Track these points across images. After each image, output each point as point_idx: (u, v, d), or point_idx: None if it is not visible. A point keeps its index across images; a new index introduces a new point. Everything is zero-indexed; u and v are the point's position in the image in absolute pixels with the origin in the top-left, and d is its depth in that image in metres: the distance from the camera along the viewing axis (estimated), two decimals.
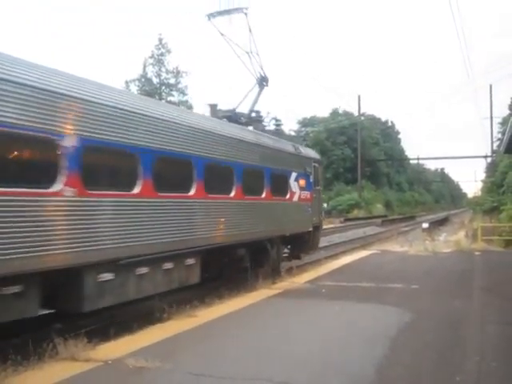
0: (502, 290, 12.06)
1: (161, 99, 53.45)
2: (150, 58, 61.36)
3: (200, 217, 11.40)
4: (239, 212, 13.09)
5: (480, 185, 68.54)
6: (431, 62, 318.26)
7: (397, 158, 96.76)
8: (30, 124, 7.28)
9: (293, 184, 16.57)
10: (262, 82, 17.35)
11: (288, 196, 16.22)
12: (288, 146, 17.10)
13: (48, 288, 7.94)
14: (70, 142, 7.95)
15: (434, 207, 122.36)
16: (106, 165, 9.26)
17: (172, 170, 10.94)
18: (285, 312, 9.99)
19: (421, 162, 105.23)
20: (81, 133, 8.18)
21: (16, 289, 7.22)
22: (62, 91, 7.98)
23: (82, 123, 8.25)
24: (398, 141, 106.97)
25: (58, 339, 7.30)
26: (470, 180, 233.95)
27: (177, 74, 61.50)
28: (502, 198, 41.54)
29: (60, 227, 7.83)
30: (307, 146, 28.68)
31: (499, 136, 54.53)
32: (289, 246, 17.65)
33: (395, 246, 25.29)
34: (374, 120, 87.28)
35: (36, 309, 7.85)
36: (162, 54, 61.51)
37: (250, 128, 15.77)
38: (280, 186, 15.67)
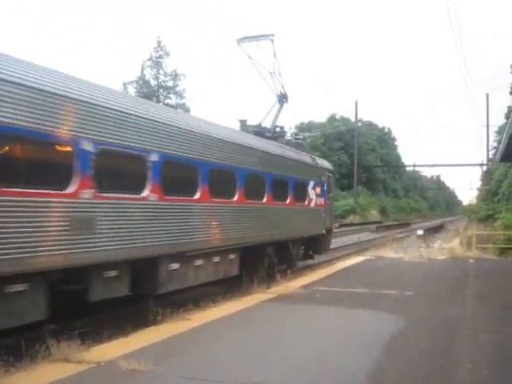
0: (495, 298, 12.10)
1: (158, 102, 53.49)
2: (149, 60, 61.42)
3: (240, 219, 13.39)
4: (269, 216, 15.08)
5: (475, 193, 68.74)
6: (428, 67, 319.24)
7: (393, 164, 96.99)
8: (131, 144, 9.37)
9: (310, 191, 18.68)
10: (282, 99, 19.49)
11: (306, 202, 18.32)
12: (307, 157, 19.30)
13: (134, 274, 9.74)
14: (154, 158, 9.96)
15: (429, 214, 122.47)
16: (177, 175, 11.18)
17: (221, 180, 12.71)
18: (279, 316, 9.99)
19: (417, 168, 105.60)
20: (162, 150, 10.22)
21: (114, 273, 9.17)
22: (155, 119, 10.20)
23: (163, 142, 10.29)
24: (395, 147, 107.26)
25: (51, 340, 7.29)
26: (466, 188, 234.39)
27: (175, 76, 61.57)
28: (496, 207, 41.63)
29: (144, 225, 9.72)
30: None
31: (495, 144, 54.72)
32: (302, 247, 18.95)
33: (390, 253, 25.32)
34: (370, 126, 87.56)
35: (126, 290, 9.71)
36: (160, 57, 61.58)
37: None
38: (301, 193, 17.79)
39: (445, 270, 17.76)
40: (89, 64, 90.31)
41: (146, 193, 9.71)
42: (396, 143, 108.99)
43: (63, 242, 7.93)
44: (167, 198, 10.31)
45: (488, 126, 51.62)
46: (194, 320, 9.48)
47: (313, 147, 68.57)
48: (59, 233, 7.85)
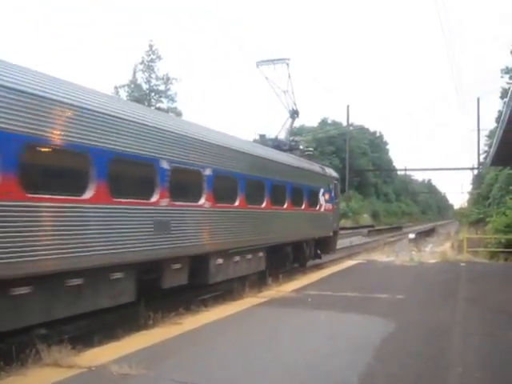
0: (485, 301, 12.15)
1: (150, 106, 53.45)
2: (140, 63, 61.36)
3: (266, 223, 15.69)
4: (288, 220, 17.45)
5: (466, 196, 69.10)
6: (420, 72, 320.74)
7: (385, 168, 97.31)
8: (193, 162, 11.71)
9: (321, 198, 21.16)
10: (294, 114, 22.29)
11: (317, 207, 20.79)
12: (317, 167, 21.80)
13: (191, 267, 11.89)
14: (208, 172, 12.31)
15: (420, 218, 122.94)
16: (224, 186, 13.36)
17: (254, 189, 15.06)
18: (270, 321, 10.00)
19: (408, 172, 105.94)
20: (213, 165, 12.54)
21: (178, 266, 11.36)
22: (210, 141, 12.64)
23: (214, 159, 12.65)
24: (386, 151, 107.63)
25: (42, 345, 7.26)
26: (457, 192, 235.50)
27: (166, 80, 61.54)
28: (487, 210, 41.86)
29: (200, 227, 12.03)
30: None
31: (486, 148, 55.01)
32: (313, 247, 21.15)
33: (381, 256, 25.37)
34: (362, 130, 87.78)
35: (186, 280, 11.80)
36: (152, 61, 61.55)
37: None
38: (313, 199, 20.26)
39: (436, 274, 17.81)
40: (84, 66, 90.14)
41: (202, 201, 12.10)
42: (387, 147, 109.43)
43: (149, 240, 10.08)
44: (217, 205, 12.66)
45: (479, 130, 51.94)
46: (185, 324, 9.48)
47: (274, 139, 68.67)
48: (146, 233, 10.03)
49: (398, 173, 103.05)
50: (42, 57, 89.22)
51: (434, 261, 22.74)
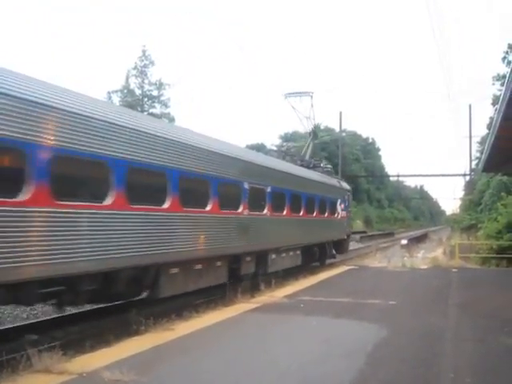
0: (476, 307, 12.20)
1: (143, 111, 53.39)
2: (133, 69, 61.34)
3: (302, 227, 19.79)
4: (316, 225, 21.66)
5: (458, 202, 69.28)
6: (413, 79, 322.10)
7: (377, 174, 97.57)
8: (236, 178, 14.41)
9: (338, 207, 25.34)
10: (314, 137, 29.64)
11: (336, 215, 24.93)
12: (335, 182, 26.52)
13: (256, 260, 15.80)
14: (269, 190, 16.41)
15: (412, 224, 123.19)
16: (277, 199, 17.13)
17: (296, 201, 19.11)
18: (262, 326, 9.98)
19: (400, 178, 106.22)
20: (272, 185, 16.61)
21: (249, 259, 15.28)
22: (249, 160, 15.82)
23: (251, 174, 15.31)
24: (379, 157, 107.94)
25: (33, 351, 7.22)
26: (449, 198, 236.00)
27: (159, 86, 61.53)
28: (479, 216, 42.02)
29: (263, 230, 15.92)
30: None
31: (478, 155, 55.24)
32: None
33: (374, 262, 25.47)
34: (355, 136, 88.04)
35: (253, 270, 15.66)
36: (145, 66, 61.53)
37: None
38: (333, 208, 24.32)
39: (428, 280, 17.86)
40: (82, 67, 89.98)
41: (265, 211, 16.31)
42: (380, 153, 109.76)
43: (236, 239, 14.05)
44: (273, 214, 16.83)
45: (470, 137, 51.95)
46: (177, 330, 9.44)
47: (302, 157, 68.81)
48: (235, 234, 13.98)
49: (391, 179, 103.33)
50: (41, 57, 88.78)
51: (426, 267, 22.83)
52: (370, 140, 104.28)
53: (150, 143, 10.45)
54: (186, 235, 11.66)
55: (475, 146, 57.07)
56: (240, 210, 14.37)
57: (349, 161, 78.02)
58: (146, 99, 61.59)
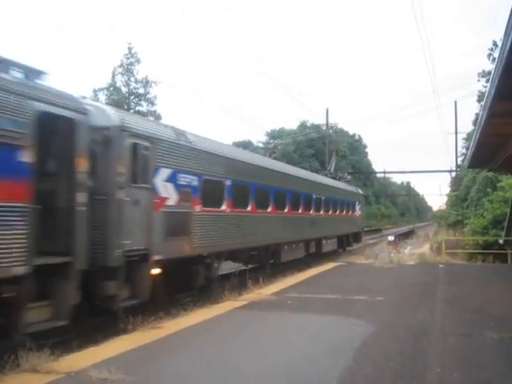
0: (462, 303, 12.31)
1: (129, 109, 53.13)
2: (119, 67, 60.95)
3: (337, 223, 29.33)
4: (343, 221, 31.04)
5: (445, 199, 69.73)
6: (398, 75, 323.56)
7: (364, 171, 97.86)
8: (292, 188, 21.82)
9: (356, 207, 35.12)
10: (336, 153, 41.31)
11: (355, 213, 34.75)
12: (353, 188, 36.65)
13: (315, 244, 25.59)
14: (315, 197, 24.96)
15: (399, 220, 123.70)
16: (325, 203, 26.61)
17: (331, 204, 28.01)
18: (250, 324, 10.00)
19: (387, 175, 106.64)
20: (324, 195, 26.61)
21: (301, 245, 22.96)
22: (301, 176, 24.51)
23: (319, 191, 25.92)
24: (365, 154, 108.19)
25: (20, 351, 7.18)
26: (435, 194, 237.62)
27: (146, 83, 61.22)
28: (465, 212, 42.36)
29: (319, 224, 25.33)
30: (275, 158, 34.99)
31: (463, 151, 55.62)
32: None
33: (361, 259, 25.59)
34: (341, 133, 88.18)
35: (303, 254, 23.74)
36: (131, 64, 61.16)
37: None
38: (353, 208, 34.04)
39: (415, 276, 17.97)
40: (63, 66, 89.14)
41: (321, 212, 25.77)
42: (366, 150, 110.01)
43: (308, 231, 23.77)
44: (322, 213, 25.96)
45: (456, 133, 52.40)
46: (165, 328, 9.43)
47: (284, 154, 68.83)
48: (308, 227, 23.59)
49: (377, 175, 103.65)
50: (24, 51, 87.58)
51: (412, 262, 22.97)
52: (357, 137, 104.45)
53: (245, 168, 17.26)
54: (290, 229, 21.21)
55: (461, 143, 57.47)
56: (312, 211, 24.22)
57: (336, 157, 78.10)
58: (132, 97, 61.26)
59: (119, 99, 56.92)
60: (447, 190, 70.06)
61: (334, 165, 40.41)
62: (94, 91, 58.93)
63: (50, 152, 9.55)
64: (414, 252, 30.73)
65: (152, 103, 61.73)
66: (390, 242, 35.60)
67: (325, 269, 20.35)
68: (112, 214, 10.27)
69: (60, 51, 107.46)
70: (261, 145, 77.38)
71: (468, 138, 50.03)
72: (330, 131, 57.59)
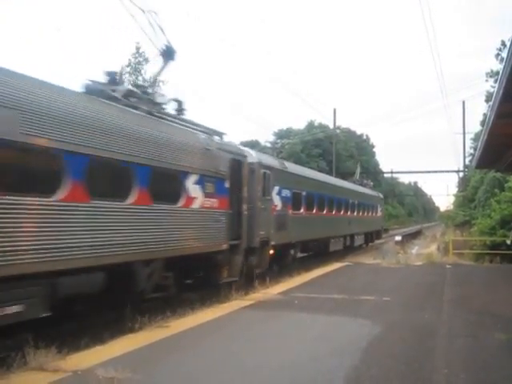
0: (469, 303, 12.26)
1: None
2: (127, 66, 61.11)
3: (362, 222, 34.89)
4: (367, 221, 36.82)
5: (452, 199, 69.43)
6: (406, 75, 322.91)
7: (371, 171, 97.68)
8: (307, 189, 23.30)
9: (378, 209, 41.96)
10: (360, 168, 50.25)
11: (377, 214, 41.20)
12: (375, 193, 42.85)
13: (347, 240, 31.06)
14: (350, 201, 31.73)
15: (407, 220, 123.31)
16: (358, 207, 34.25)
17: (362, 207, 35.34)
18: (257, 323, 10.01)
19: (395, 175, 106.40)
20: (353, 199, 32.65)
21: (341, 239, 28.94)
22: (325, 180, 28.96)
23: (351, 196, 32.44)
24: (373, 154, 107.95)
25: (28, 348, 7.22)
26: (443, 194, 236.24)
27: (153, 83, 61.35)
28: (473, 212, 42.14)
29: (349, 223, 30.68)
30: (282, 158, 37.37)
31: (471, 151, 55.35)
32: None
33: (368, 259, 25.55)
34: (349, 133, 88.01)
35: (343, 246, 29.30)
36: (139, 63, 61.32)
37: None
38: (375, 210, 40.46)
39: (422, 276, 17.93)
40: (71, 65, 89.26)
41: (348, 213, 30.73)
42: (374, 150, 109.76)
43: (347, 228, 30.28)
44: (354, 214, 32.45)
45: (464, 133, 52.17)
46: (172, 327, 9.45)
47: (291, 154, 68.80)
48: (347, 225, 30.11)
49: (385, 176, 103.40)
50: (33, 51, 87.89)
51: (420, 263, 22.91)
52: (364, 137, 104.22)
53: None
54: (335, 227, 27.15)
55: (469, 143, 57.21)
56: (348, 213, 30.03)
57: (343, 157, 78.01)
58: None
59: None
60: (455, 190, 69.89)
61: (358, 172, 46.81)
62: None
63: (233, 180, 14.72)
64: (421, 252, 30.64)
65: None
66: (397, 242, 35.55)
67: (331, 269, 20.33)
68: (256, 215, 16.27)
69: (68, 49, 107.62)
70: (268, 144, 77.36)
71: (476, 139, 49.77)
72: (338, 131, 57.56)
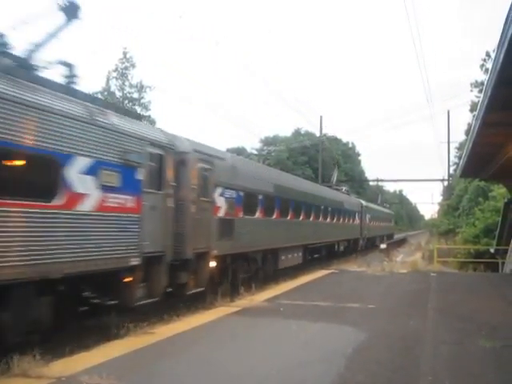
0: (454, 311, 12.33)
1: None
2: (114, 71, 60.96)
3: (344, 229, 34.16)
4: (344, 228, 34.73)
5: (437, 207, 69.96)
6: (392, 85, 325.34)
7: (357, 179, 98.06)
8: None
9: (356, 216, 38.72)
10: (337, 166, 52.50)
11: (353, 221, 37.98)
12: (351, 198, 41.09)
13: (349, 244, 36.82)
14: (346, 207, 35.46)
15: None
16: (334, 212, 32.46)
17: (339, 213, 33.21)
18: (242, 330, 9.98)
19: (380, 183, 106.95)
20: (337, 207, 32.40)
21: (345, 243, 35.85)
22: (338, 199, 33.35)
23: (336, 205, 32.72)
24: (359, 162, 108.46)
25: (11, 355, 7.14)
26: (428, 202, 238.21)
27: (140, 88, 61.23)
28: (457, 221, 42.52)
29: (352, 228, 37.64)
30: (269, 165, 38.25)
31: (456, 160, 55.84)
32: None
33: (353, 266, 25.60)
34: (335, 141, 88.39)
35: (345, 247, 34.00)
36: (126, 68, 61.18)
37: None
38: (350, 216, 36.44)
39: (407, 284, 18.00)
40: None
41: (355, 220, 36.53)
42: (360, 158, 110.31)
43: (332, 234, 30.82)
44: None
45: (449, 142, 52.63)
46: (157, 334, 9.40)
47: (278, 161, 68.89)
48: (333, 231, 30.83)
49: (370, 183, 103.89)
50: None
51: (405, 271, 22.99)
52: (350, 145, 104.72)
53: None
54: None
55: (454, 152, 57.73)
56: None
57: (329, 165, 78.30)
58: (126, 101, 61.26)
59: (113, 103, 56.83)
60: (439, 198, 70.36)
61: (336, 176, 45.01)
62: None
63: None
64: (406, 260, 30.80)
65: (146, 108, 61.76)
66: (382, 250, 35.71)
67: (317, 276, 20.34)
68: (187, 220, 13.04)
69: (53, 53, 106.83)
70: (255, 151, 77.42)
71: (460, 148, 50.26)
72: (324, 138, 57.78)
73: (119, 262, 10.28)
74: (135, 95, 61.84)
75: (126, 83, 61.46)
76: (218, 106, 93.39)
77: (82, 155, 9.40)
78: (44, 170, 8.82)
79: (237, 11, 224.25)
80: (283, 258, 21.06)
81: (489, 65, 41.78)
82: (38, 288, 8.52)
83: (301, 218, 23.70)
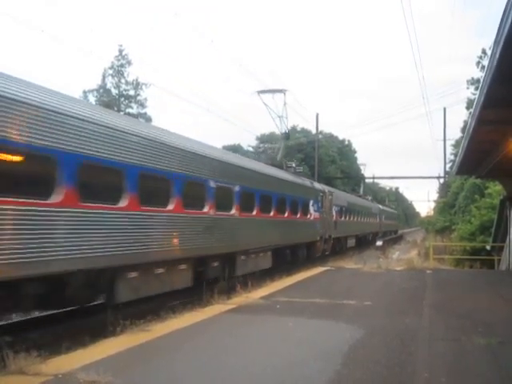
0: (450, 308, 12.35)
1: (119, 111, 53.05)
2: (110, 68, 60.85)
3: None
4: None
5: (433, 205, 70.12)
6: (389, 81, 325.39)
7: (353, 176, 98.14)
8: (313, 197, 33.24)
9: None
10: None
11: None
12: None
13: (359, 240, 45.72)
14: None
15: None
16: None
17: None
18: (238, 328, 9.99)
19: (376, 180, 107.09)
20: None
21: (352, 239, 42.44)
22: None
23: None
24: (355, 159, 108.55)
25: (7, 352, 7.13)
26: (424, 200, 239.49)
27: (136, 85, 61.16)
28: (453, 218, 42.61)
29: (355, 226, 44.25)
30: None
31: (452, 158, 55.95)
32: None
33: (350, 263, 25.65)
34: (331, 138, 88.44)
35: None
36: (121, 65, 61.08)
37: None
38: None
39: (403, 281, 18.02)
40: (53, 67, 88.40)
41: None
42: (356, 155, 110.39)
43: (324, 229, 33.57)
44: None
45: (445, 140, 52.79)
46: (153, 331, 9.40)
47: (273, 158, 68.83)
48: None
49: (367, 181, 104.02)
50: (12, 52, 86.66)
51: (401, 268, 23.03)
52: (346, 142, 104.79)
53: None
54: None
55: (450, 149, 57.86)
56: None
57: (325, 163, 78.37)
58: (122, 99, 61.18)
59: (109, 101, 56.81)
60: (435, 196, 70.53)
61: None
62: (84, 92, 58.82)
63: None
64: (402, 257, 30.86)
65: (142, 105, 61.69)
66: (378, 247, 35.78)
67: (313, 273, 20.37)
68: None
69: (50, 50, 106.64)
70: (251, 149, 77.41)
71: (456, 145, 50.37)
72: (320, 136, 57.78)
73: (314, 238, 27.27)
74: (131, 92, 61.73)
75: (122, 80, 61.37)
76: (213, 103, 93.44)
77: (310, 199, 26.57)
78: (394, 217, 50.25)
79: (234, 10, 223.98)
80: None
81: (485, 62, 41.87)
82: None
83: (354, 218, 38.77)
